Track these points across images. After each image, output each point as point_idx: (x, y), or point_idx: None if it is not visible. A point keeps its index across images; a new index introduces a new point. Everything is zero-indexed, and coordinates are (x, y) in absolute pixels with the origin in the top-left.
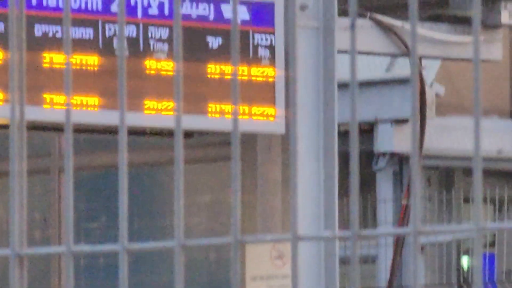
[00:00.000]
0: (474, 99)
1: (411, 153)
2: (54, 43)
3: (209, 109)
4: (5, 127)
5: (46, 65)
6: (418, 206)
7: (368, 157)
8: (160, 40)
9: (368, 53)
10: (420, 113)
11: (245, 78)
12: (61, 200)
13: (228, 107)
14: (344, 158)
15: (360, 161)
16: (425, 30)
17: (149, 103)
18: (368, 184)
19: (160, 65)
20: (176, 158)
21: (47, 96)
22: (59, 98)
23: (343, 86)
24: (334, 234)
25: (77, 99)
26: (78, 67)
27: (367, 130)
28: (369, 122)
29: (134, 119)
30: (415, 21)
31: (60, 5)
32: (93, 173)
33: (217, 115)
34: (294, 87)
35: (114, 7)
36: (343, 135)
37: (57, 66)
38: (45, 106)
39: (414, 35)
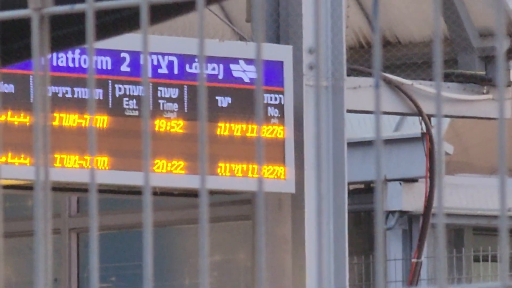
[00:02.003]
0: (499, 158)
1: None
2: (64, 104)
3: (219, 169)
4: (16, 187)
5: (56, 125)
6: (443, 266)
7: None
8: (169, 99)
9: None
10: (429, 172)
11: (255, 136)
12: (71, 259)
13: (237, 166)
14: (354, 217)
15: (370, 219)
16: (434, 88)
17: (159, 162)
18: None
19: (169, 124)
20: (201, 217)
21: (57, 156)
22: (70, 158)
23: (351, 145)
24: None
25: (87, 159)
26: (87, 127)
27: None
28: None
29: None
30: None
31: (70, 65)
32: (103, 234)
33: (227, 174)
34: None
35: (123, 67)
36: (352, 194)
37: (67, 126)
38: (56, 166)
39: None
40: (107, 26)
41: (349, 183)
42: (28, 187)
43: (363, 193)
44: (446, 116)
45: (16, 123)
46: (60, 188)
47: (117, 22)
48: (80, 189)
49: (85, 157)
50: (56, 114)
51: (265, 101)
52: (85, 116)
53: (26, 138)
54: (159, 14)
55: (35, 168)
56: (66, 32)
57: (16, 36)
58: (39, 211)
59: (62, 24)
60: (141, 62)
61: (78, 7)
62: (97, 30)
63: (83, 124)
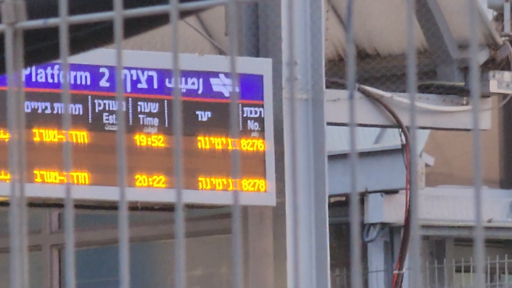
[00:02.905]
0: (474, 169)
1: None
2: (43, 119)
3: (200, 183)
4: (4, 204)
5: (36, 141)
6: (418, 277)
7: (359, 228)
8: (150, 114)
9: (357, 125)
10: (409, 184)
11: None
12: (52, 276)
13: (218, 180)
14: (335, 229)
15: (350, 232)
16: (410, 99)
17: (140, 177)
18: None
19: (150, 139)
20: (177, 231)
21: (37, 172)
22: (50, 174)
23: (332, 157)
24: None
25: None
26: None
27: (358, 201)
28: (360, 193)
29: (126, 194)
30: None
31: (49, 80)
32: (84, 250)
33: (208, 188)
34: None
35: (103, 82)
36: (333, 206)
37: (47, 141)
38: (36, 181)
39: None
40: (82, 40)
41: (329, 196)
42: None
43: (344, 205)
44: (426, 127)
45: None
46: (41, 204)
47: (92, 36)
48: (61, 204)
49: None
50: (35, 130)
51: (245, 115)
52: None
53: (5, 155)
54: (133, 28)
55: (10, 184)
56: (41, 46)
57: None
58: (15, 227)
59: (36, 39)
60: (116, 75)
61: (51, 21)
62: (71, 44)
63: (63, 140)
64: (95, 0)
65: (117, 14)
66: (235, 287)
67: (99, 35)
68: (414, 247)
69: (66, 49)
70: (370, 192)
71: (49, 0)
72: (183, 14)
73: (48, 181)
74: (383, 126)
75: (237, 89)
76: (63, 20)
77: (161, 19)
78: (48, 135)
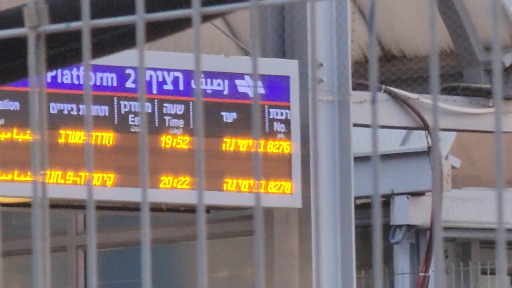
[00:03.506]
0: (496, 171)
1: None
2: (70, 121)
3: (225, 184)
4: (25, 205)
5: (62, 142)
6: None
7: (385, 230)
8: (175, 115)
9: (383, 127)
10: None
11: (261, 152)
12: (78, 277)
13: (244, 182)
14: (361, 231)
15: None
16: (440, 102)
17: (165, 178)
18: (385, 256)
19: (175, 140)
20: (199, 233)
21: (64, 173)
22: (76, 175)
23: (358, 159)
24: None
25: (94, 175)
26: (93, 143)
27: (384, 203)
28: (385, 195)
29: (150, 195)
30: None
31: (75, 82)
32: (110, 251)
33: (233, 190)
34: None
35: (128, 84)
36: (359, 208)
37: (73, 143)
38: (63, 182)
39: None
40: (104, 44)
41: (355, 198)
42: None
43: (369, 207)
44: (452, 130)
45: (20, 140)
46: (67, 206)
47: (114, 39)
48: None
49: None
50: (62, 131)
51: (271, 116)
52: (92, 133)
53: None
54: (155, 31)
55: (32, 185)
56: (63, 50)
57: (13, 54)
58: (37, 229)
59: (59, 42)
60: (138, 79)
61: (74, 25)
62: (93, 48)
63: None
64: (117, 4)
65: (140, 17)
66: None
67: (122, 39)
68: (436, 249)
69: (88, 53)
70: (396, 194)
71: (72, 4)
72: (206, 17)
73: (75, 183)
74: (409, 128)
75: (263, 91)
76: (85, 24)
77: (184, 23)
78: (74, 136)
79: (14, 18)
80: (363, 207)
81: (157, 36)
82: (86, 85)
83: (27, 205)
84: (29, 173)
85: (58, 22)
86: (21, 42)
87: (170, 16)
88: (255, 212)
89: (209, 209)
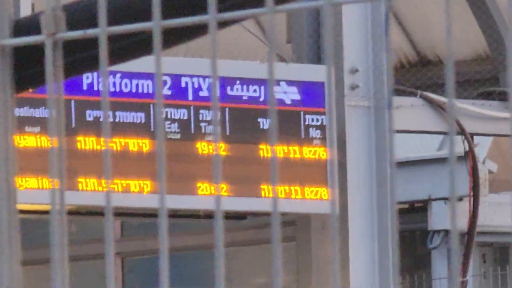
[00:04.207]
0: None
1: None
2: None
3: (262, 191)
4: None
5: (98, 149)
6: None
7: (423, 235)
8: (211, 122)
9: (420, 132)
10: (473, 190)
11: (297, 158)
12: (116, 285)
13: (280, 188)
14: (398, 236)
15: (414, 239)
16: (477, 107)
17: (202, 185)
18: (423, 262)
19: (212, 147)
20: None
21: (98, 181)
22: (111, 182)
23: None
24: None
25: (130, 183)
26: (132, 150)
27: (421, 208)
28: (423, 200)
29: (188, 202)
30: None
31: (111, 89)
32: (148, 258)
33: (271, 196)
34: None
35: (164, 90)
36: (397, 214)
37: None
38: (98, 190)
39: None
40: (121, 51)
41: None
42: (71, 212)
43: (407, 213)
44: (489, 134)
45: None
46: (103, 213)
47: (131, 46)
48: (124, 213)
49: (129, 181)
50: (94, 138)
51: (307, 122)
52: (128, 139)
53: (68, 163)
54: (172, 37)
55: (50, 192)
56: (81, 57)
57: (30, 62)
58: (55, 237)
59: (75, 49)
60: (155, 87)
61: (91, 31)
62: (111, 55)
63: (128, 148)
64: (134, 11)
65: (156, 24)
66: None
67: (139, 45)
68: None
69: (105, 60)
70: (434, 200)
71: (89, 11)
72: (222, 24)
73: (115, 190)
74: (445, 133)
75: (298, 97)
76: (102, 31)
77: (200, 29)
78: (111, 143)
79: (31, 25)
80: (400, 212)
81: (173, 42)
82: (104, 91)
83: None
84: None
85: (75, 29)
86: (38, 49)
87: (186, 23)
88: (272, 220)
89: (245, 215)
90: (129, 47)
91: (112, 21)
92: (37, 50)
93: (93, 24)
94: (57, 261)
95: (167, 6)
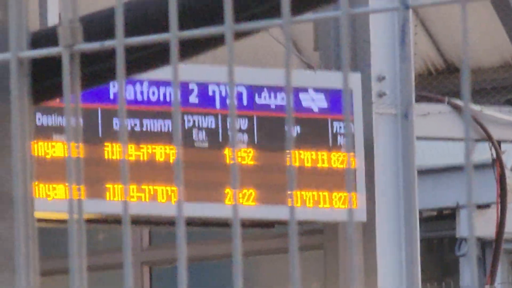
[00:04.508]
0: None
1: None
2: (132, 136)
3: (290, 199)
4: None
5: (131, 158)
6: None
7: (451, 242)
8: (239, 130)
9: (447, 139)
10: (500, 197)
11: (325, 166)
12: None
13: (309, 195)
14: (426, 244)
15: (443, 246)
16: (504, 114)
17: (230, 193)
18: (451, 269)
19: (239, 155)
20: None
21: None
22: (139, 191)
23: (423, 172)
24: None
25: (158, 191)
26: (160, 159)
27: (449, 216)
28: (451, 208)
29: (216, 210)
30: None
31: (138, 98)
32: (175, 267)
33: (298, 204)
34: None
35: (192, 99)
36: (425, 221)
37: (134, 159)
38: (131, 199)
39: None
40: (139, 62)
41: (420, 211)
42: (98, 221)
43: (435, 220)
44: None
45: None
46: (131, 221)
47: (149, 57)
48: (152, 222)
49: (157, 187)
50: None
51: (335, 130)
52: (156, 147)
53: (96, 171)
54: (189, 48)
55: (69, 202)
56: (98, 68)
57: (48, 73)
58: (74, 246)
59: (92, 61)
60: (173, 98)
61: (108, 43)
62: (128, 66)
63: (155, 156)
64: (151, 22)
65: (173, 35)
66: None
67: (157, 56)
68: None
69: (122, 71)
70: (462, 207)
71: (106, 22)
72: (238, 35)
73: (140, 199)
74: (475, 140)
75: (326, 104)
76: (119, 42)
77: (217, 40)
78: (138, 152)
79: (49, 37)
80: (428, 220)
81: (190, 53)
82: (121, 101)
83: (89, 221)
84: (85, 189)
85: (92, 41)
86: (56, 60)
87: (203, 34)
88: (290, 228)
89: (273, 224)
90: (146, 58)
91: (129, 33)
92: (55, 62)
93: (110, 35)
94: (75, 270)
95: (184, 17)
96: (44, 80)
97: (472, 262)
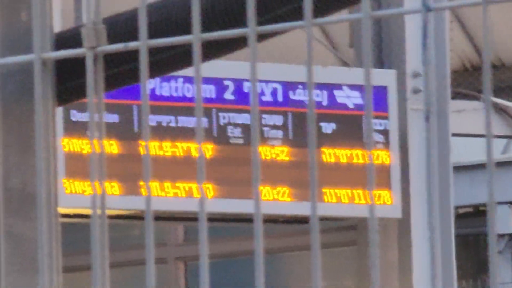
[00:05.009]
0: None
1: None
2: (168, 133)
3: (325, 195)
4: (118, 217)
5: (160, 154)
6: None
7: (486, 239)
8: (274, 126)
9: (483, 136)
10: None
11: (360, 162)
12: None
13: (343, 192)
14: (463, 240)
15: (479, 243)
16: None
17: (264, 189)
18: (487, 266)
19: (274, 152)
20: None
21: (160, 185)
22: (174, 187)
23: (459, 168)
24: None
25: (192, 187)
26: (195, 155)
27: (486, 212)
28: (486, 204)
29: (250, 207)
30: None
31: (174, 94)
32: (210, 262)
33: (333, 201)
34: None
35: (227, 95)
36: (461, 217)
37: (169, 155)
38: (161, 195)
39: None
40: (162, 63)
41: (457, 207)
42: (134, 217)
43: (471, 216)
44: None
45: (115, 152)
46: (166, 217)
47: (172, 58)
48: (187, 218)
49: (191, 185)
50: (157, 143)
51: None
52: (190, 145)
53: (131, 168)
54: (212, 50)
55: (92, 198)
56: (122, 69)
57: (73, 74)
58: (96, 243)
59: (118, 62)
60: (196, 98)
61: (132, 45)
62: (151, 67)
63: (191, 153)
64: (174, 24)
65: (196, 37)
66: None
67: (179, 58)
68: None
69: (146, 72)
70: (498, 203)
71: (129, 24)
72: (261, 37)
73: (176, 195)
74: (509, 137)
75: (361, 101)
76: (143, 44)
77: (240, 42)
78: (173, 148)
79: (73, 38)
80: (465, 216)
81: (213, 55)
82: (144, 102)
83: (125, 217)
84: (130, 185)
85: (116, 42)
86: (80, 62)
87: (226, 35)
88: (312, 225)
89: (307, 220)
90: (169, 59)
91: (152, 34)
92: (80, 63)
93: (134, 37)
94: (97, 265)
95: (207, 19)
96: (69, 81)
97: (493, 260)
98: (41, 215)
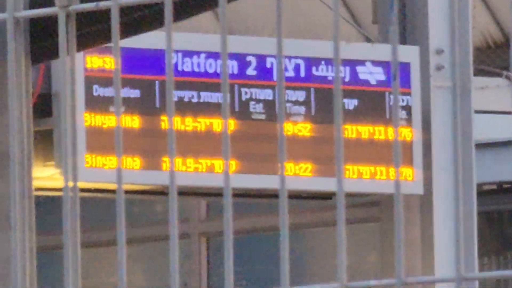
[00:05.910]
0: None
1: None
2: (190, 108)
3: (347, 171)
4: (138, 192)
5: (182, 130)
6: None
7: (511, 216)
8: (296, 102)
9: (506, 113)
10: None
11: (382, 138)
12: (201, 265)
13: (365, 169)
14: (487, 217)
15: (502, 220)
16: None
17: (286, 165)
18: (510, 243)
19: (296, 128)
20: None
21: (183, 160)
22: (196, 162)
23: (483, 146)
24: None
25: (214, 163)
26: (217, 130)
27: (509, 189)
28: (511, 181)
29: (272, 182)
30: None
31: (195, 69)
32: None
33: (355, 177)
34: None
35: (249, 71)
36: (486, 194)
37: (190, 130)
38: (183, 170)
39: None
40: (132, 24)
41: (481, 184)
42: (156, 192)
43: (495, 193)
44: None
45: (137, 127)
46: (188, 193)
47: (142, 19)
48: (209, 193)
49: (214, 161)
50: (179, 118)
51: (392, 103)
52: (212, 120)
53: (153, 142)
54: (183, 11)
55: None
56: (91, 30)
57: (46, 34)
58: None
59: (89, 22)
60: (166, 60)
61: (103, 4)
62: (122, 28)
63: (213, 128)
64: None
65: None
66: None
67: (150, 19)
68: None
69: (117, 33)
70: None
71: None
72: None
73: (197, 170)
74: None
75: (384, 77)
76: (114, 3)
77: (211, 2)
78: (194, 123)
79: None
80: (489, 193)
81: (185, 15)
82: (116, 67)
83: (147, 192)
84: (145, 159)
85: (88, 1)
86: (54, 21)
87: None
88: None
89: (331, 195)
90: (141, 20)
91: None
92: (53, 23)
93: None
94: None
95: None
96: (42, 41)
97: None
98: (14, 173)
